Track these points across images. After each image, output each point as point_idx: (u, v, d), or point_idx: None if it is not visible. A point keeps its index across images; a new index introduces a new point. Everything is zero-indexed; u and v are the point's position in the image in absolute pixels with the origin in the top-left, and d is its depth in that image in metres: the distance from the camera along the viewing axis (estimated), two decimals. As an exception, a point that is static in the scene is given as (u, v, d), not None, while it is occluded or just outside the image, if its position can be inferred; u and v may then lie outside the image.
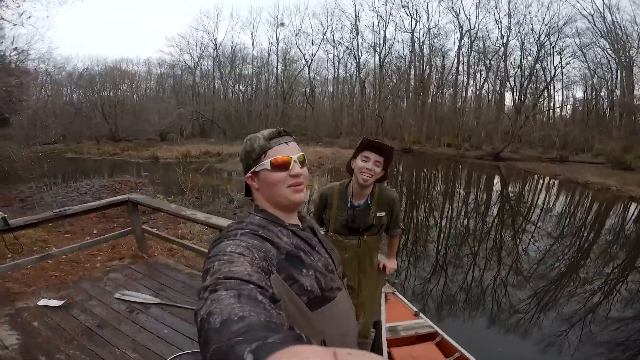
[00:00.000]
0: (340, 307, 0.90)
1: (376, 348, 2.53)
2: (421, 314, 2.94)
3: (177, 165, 9.83)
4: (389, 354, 2.37)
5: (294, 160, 0.84)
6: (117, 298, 2.62)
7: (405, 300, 3.20)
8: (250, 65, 34.91)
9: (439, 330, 2.69)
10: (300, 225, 0.92)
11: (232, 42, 34.74)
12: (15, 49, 12.59)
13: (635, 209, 11.25)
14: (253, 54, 34.53)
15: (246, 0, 37.60)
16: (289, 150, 0.85)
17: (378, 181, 1.79)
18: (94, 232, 5.14)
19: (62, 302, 2.52)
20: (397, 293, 3.36)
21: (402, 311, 2.99)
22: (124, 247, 4.07)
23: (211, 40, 33.80)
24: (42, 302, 2.50)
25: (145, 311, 2.48)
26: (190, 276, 3.31)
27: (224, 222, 2.81)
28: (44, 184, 9.05)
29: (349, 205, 1.82)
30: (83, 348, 2.03)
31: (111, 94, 31.20)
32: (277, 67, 34.40)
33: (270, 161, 0.83)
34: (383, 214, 1.84)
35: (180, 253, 4.22)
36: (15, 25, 11.56)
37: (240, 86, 35.21)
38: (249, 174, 0.88)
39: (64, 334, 2.12)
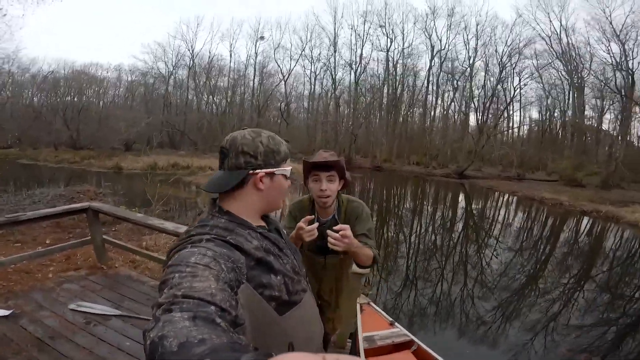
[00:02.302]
0: (307, 310, 0.90)
1: None
2: (396, 323, 2.96)
3: (143, 176, 9.42)
4: None
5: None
6: (71, 309, 2.42)
7: (380, 310, 3.21)
8: (227, 77, 34.64)
9: (415, 339, 2.70)
10: (267, 227, 0.89)
11: (209, 53, 34.05)
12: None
13: (587, 222, 12.22)
14: (230, 66, 34.30)
15: (228, 11, 37.44)
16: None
17: (342, 188, 1.61)
18: (47, 242, 4.75)
19: (10, 312, 2.31)
20: (371, 303, 3.37)
21: (378, 321, 2.99)
22: (80, 258, 3.79)
23: (188, 50, 33.23)
24: (-14, 311, 2.28)
25: (104, 323, 2.31)
26: (155, 288, 3.12)
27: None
28: (-7, 191, 8.31)
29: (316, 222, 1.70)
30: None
31: (75, 99, 29.63)
32: (253, 80, 34.37)
33: (291, 169, 0.88)
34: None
35: (144, 265, 4.00)
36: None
37: (215, 98, 34.70)
38: (262, 172, 0.81)
39: (11, 345, 1.93)
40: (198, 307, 0.48)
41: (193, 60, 33.20)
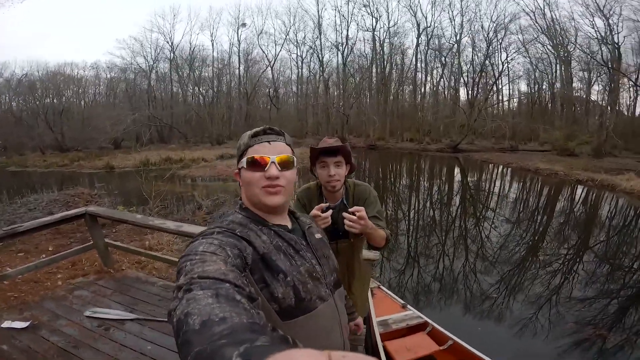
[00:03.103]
0: (320, 321, 0.82)
1: (369, 343, 2.54)
2: (409, 306, 3.00)
3: (136, 173, 9.26)
4: (384, 348, 2.39)
5: (272, 161, 0.79)
6: (87, 316, 2.41)
7: (391, 293, 3.25)
8: (211, 67, 33.71)
9: (429, 320, 2.75)
10: (290, 226, 0.88)
11: (190, 44, 33.14)
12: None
13: (582, 191, 12.29)
14: (213, 56, 33.37)
15: (205, 0, 36.15)
16: (268, 150, 0.81)
17: (349, 173, 1.66)
18: (50, 249, 4.69)
19: (28, 323, 2.30)
20: (382, 287, 3.41)
21: (390, 304, 3.03)
22: (86, 263, 3.76)
23: (167, 42, 32.07)
24: (5, 324, 2.28)
25: (121, 328, 2.30)
26: (165, 288, 3.12)
27: (196, 229, 2.68)
28: (-15, 202, 8.12)
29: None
30: (60, 372, 1.84)
31: (55, 100, 28.76)
32: (239, 69, 33.58)
33: (246, 159, 0.81)
34: None
35: (150, 265, 3.98)
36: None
37: (201, 89, 33.88)
38: (235, 170, 0.87)
39: (37, 357, 1.92)
40: (215, 284, 0.50)
41: (173, 53, 32.14)
